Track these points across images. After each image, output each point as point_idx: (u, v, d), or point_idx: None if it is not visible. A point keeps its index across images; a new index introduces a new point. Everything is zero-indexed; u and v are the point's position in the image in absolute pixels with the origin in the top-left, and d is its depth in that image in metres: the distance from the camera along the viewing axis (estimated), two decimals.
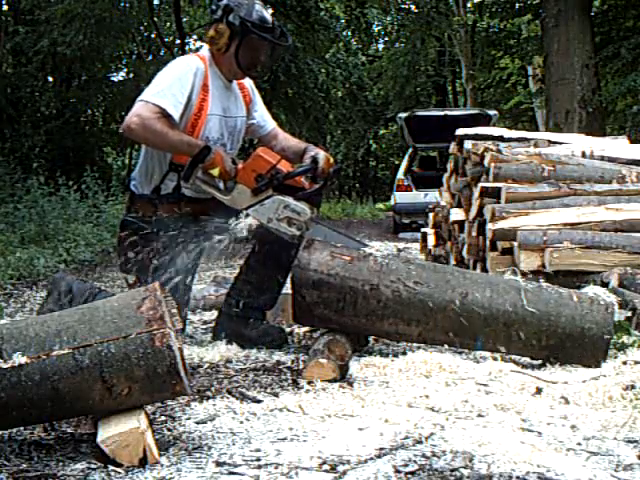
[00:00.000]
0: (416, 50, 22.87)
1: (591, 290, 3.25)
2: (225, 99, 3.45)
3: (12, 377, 1.96)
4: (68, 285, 3.46)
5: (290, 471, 1.86)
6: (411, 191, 12.50)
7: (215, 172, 3.24)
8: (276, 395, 2.57)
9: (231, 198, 3.28)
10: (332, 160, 3.37)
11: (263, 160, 3.25)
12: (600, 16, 13.70)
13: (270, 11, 3.39)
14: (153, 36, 18.64)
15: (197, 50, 3.63)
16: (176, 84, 3.23)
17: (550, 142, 5.12)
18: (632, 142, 5.47)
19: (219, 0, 3.36)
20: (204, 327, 3.95)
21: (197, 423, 2.27)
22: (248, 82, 3.61)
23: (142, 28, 17.55)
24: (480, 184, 4.58)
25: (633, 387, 2.46)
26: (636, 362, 2.75)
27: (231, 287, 3.54)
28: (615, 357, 2.89)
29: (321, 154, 3.34)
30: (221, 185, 3.32)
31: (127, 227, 3.43)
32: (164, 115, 3.18)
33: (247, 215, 3.26)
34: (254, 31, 3.30)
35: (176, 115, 3.21)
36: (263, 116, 3.67)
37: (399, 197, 12.59)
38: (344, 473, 1.84)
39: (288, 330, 3.64)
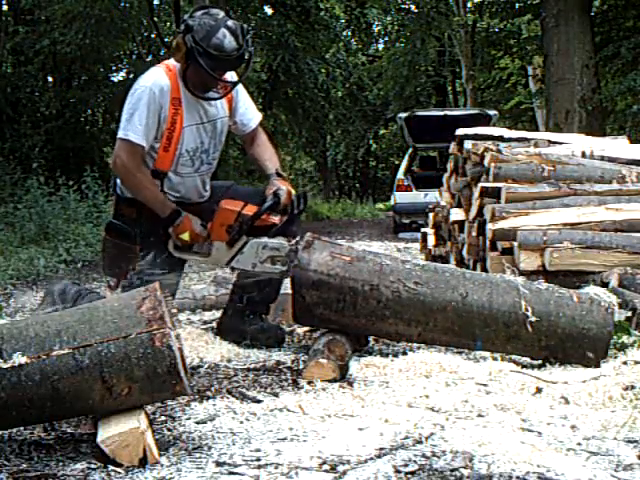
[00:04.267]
0: (416, 50, 22.79)
1: (591, 290, 3.25)
2: (201, 105, 3.42)
3: (12, 377, 1.96)
4: (62, 287, 3.50)
5: (290, 471, 1.86)
6: (411, 191, 12.48)
7: (185, 237, 3.33)
8: (276, 395, 2.57)
9: (211, 258, 3.37)
10: (293, 191, 3.42)
11: (228, 211, 3.33)
12: (600, 16, 13.68)
13: (233, 42, 3.21)
14: (153, 36, 18.62)
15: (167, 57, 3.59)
16: (140, 113, 3.27)
17: (550, 142, 5.12)
18: (632, 142, 5.46)
19: (193, 13, 3.30)
20: (204, 327, 3.95)
21: (197, 423, 2.27)
22: (232, 75, 3.48)
23: (142, 28, 17.53)
24: (480, 184, 4.57)
25: (633, 387, 2.46)
26: (636, 362, 2.75)
27: (234, 284, 3.57)
28: (615, 357, 2.89)
29: (282, 189, 3.37)
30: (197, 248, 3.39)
31: (112, 230, 3.45)
32: (140, 150, 3.30)
33: (233, 269, 3.36)
34: (199, 61, 3.20)
35: (144, 144, 3.30)
36: (246, 114, 3.60)
37: (399, 197, 12.58)
38: (344, 473, 1.84)
39: (288, 330, 3.65)
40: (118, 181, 3.50)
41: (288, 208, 3.37)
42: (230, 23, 3.27)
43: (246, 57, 3.29)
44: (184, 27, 3.26)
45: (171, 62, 3.40)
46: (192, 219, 3.34)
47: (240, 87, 3.56)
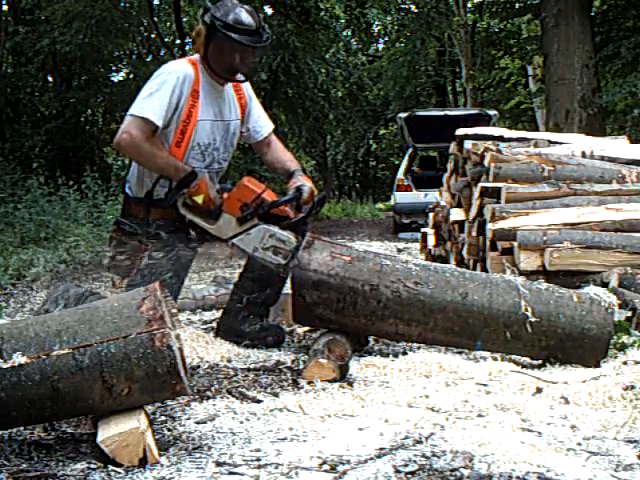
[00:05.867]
0: (416, 50, 22.81)
1: (591, 290, 3.25)
2: (217, 103, 3.45)
3: (12, 377, 1.96)
4: (66, 288, 3.51)
5: (290, 471, 1.86)
6: (411, 191, 12.48)
7: (199, 199, 3.29)
8: (276, 395, 2.57)
9: (216, 227, 3.34)
10: (316, 191, 3.43)
11: (248, 190, 3.31)
12: (600, 16, 13.71)
13: (251, 19, 3.31)
14: (153, 36, 18.63)
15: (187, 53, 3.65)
16: (162, 94, 3.27)
17: (550, 142, 5.12)
18: (632, 142, 5.46)
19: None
20: (204, 327, 3.95)
21: (197, 423, 2.27)
22: (245, 84, 3.59)
23: (142, 28, 17.53)
24: (480, 184, 4.57)
25: (633, 387, 2.46)
26: (636, 362, 2.75)
27: (235, 284, 3.58)
28: (615, 357, 2.89)
29: (306, 185, 3.39)
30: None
31: (119, 228, 3.47)
32: (152, 129, 3.25)
33: (232, 245, 3.33)
34: (221, 31, 3.26)
35: (160, 125, 3.27)
36: (259, 122, 3.66)
37: (399, 197, 12.57)
38: (344, 473, 1.84)
39: (288, 330, 3.65)
40: (128, 178, 3.52)
41: (308, 206, 3.38)
42: (246, 6, 3.38)
43: (264, 37, 3.35)
44: (202, 12, 3.37)
45: (193, 57, 3.47)
46: (209, 183, 3.33)
47: (253, 96, 3.64)
